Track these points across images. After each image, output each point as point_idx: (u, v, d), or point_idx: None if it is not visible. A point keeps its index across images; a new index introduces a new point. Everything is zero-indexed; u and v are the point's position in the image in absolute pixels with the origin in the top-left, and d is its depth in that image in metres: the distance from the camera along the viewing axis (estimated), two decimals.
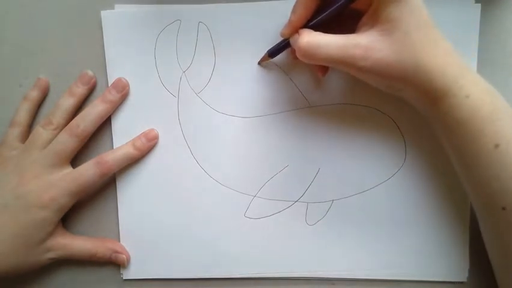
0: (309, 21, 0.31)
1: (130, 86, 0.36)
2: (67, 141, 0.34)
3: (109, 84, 0.36)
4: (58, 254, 0.35)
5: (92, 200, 0.37)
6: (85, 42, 0.36)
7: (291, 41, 0.31)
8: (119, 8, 0.36)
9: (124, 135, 0.36)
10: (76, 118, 0.34)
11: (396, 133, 0.35)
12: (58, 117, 0.35)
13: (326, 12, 0.30)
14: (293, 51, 0.32)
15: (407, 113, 0.35)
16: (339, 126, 0.35)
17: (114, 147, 0.36)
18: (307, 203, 0.36)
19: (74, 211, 0.37)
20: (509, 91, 0.35)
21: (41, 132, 0.35)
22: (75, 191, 0.34)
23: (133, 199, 0.36)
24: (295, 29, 0.31)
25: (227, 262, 0.36)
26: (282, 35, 0.32)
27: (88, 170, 0.34)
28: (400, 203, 0.35)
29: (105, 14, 0.36)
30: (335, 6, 0.29)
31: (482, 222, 0.31)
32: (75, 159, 0.36)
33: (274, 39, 0.35)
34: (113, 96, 0.35)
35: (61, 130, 0.35)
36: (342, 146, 0.35)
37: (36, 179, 0.33)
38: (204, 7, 0.35)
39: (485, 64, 0.35)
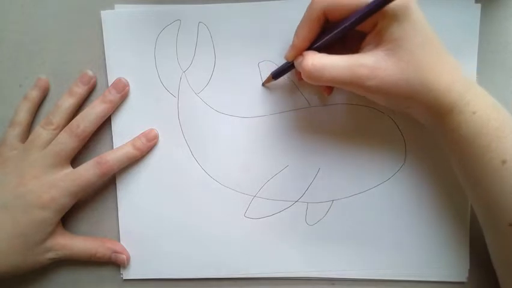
0: (312, 43, 0.30)
1: (130, 86, 0.36)
2: (67, 141, 0.34)
3: (109, 84, 0.36)
4: (58, 254, 0.35)
5: (92, 200, 0.37)
6: (85, 42, 0.36)
7: (296, 63, 0.31)
8: (119, 8, 0.36)
9: (124, 135, 0.36)
10: (76, 118, 0.34)
11: (396, 133, 0.35)
12: (58, 117, 0.35)
13: (331, 35, 0.29)
14: (298, 73, 0.32)
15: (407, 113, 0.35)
16: (339, 126, 0.35)
17: (114, 147, 0.36)
18: (307, 203, 0.36)
19: (74, 211, 0.37)
20: (510, 91, 0.36)
21: (41, 132, 0.35)
22: (75, 191, 0.34)
23: (133, 199, 0.36)
24: (299, 51, 0.31)
25: (227, 262, 0.36)
26: (286, 58, 0.32)
27: (88, 170, 0.34)
28: (400, 203, 0.35)
29: (105, 14, 0.36)
30: (340, 29, 0.29)
31: (489, 238, 0.31)
32: (75, 159, 0.36)
33: (274, 40, 0.35)
34: (113, 96, 0.35)
35: (61, 130, 0.34)
36: (342, 146, 0.35)
37: (36, 179, 0.33)
38: (204, 7, 0.35)
39: (485, 64, 0.35)
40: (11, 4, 0.37)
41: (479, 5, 0.34)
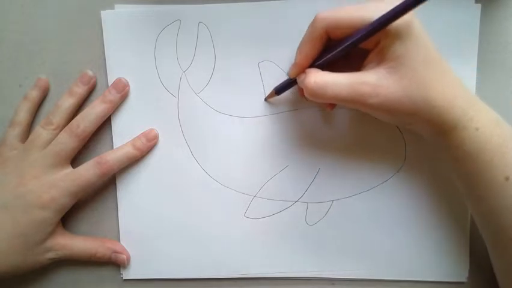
0: (315, 60, 0.31)
1: (130, 86, 0.36)
2: (67, 141, 0.34)
3: (109, 84, 0.36)
4: (58, 254, 0.35)
5: (92, 200, 0.37)
6: (85, 42, 0.36)
7: (298, 81, 0.31)
8: (119, 8, 0.36)
9: (124, 135, 0.36)
10: (76, 118, 0.34)
11: (396, 133, 0.35)
12: (58, 117, 0.35)
13: (333, 53, 0.29)
14: (301, 89, 0.32)
15: None
16: (339, 127, 0.35)
17: (114, 147, 0.36)
18: (307, 203, 0.36)
19: (74, 211, 0.37)
20: (510, 91, 0.36)
21: (41, 132, 0.35)
22: (75, 191, 0.34)
23: (133, 199, 0.36)
24: (301, 69, 0.31)
25: (227, 262, 0.36)
26: (289, 75, 0.32)
27: (88, 170, 0.34)
28: (400, 203, 0.35)
29: (105, 14, 0.36)
30: (342, 47, 0.29)
31: (493, 252, 0.31)
32: (75, 159, 0.36)
33: (274, 40, 0.35)
34: (113, 96, 0.35)
35: (61, 130, 0.34)
36: (342, 146, 0.35)
37: (36, 179, 0.33)
38: (204, 7, 0.35)
39: (485, 64, 0.35)
40: (11, 4, 0.37)
41: (479, 5, 0.34)
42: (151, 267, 0.37)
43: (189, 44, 0.36)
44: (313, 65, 0.31)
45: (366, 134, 0.35)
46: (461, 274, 0.35)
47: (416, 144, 0.35)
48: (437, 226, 0.35)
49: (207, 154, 0.36)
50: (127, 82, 0.36)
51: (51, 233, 0.34)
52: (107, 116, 0.35)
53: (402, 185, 0.35)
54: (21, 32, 0.37)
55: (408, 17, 0.27)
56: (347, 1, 0.34)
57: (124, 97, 0.36)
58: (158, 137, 0.36)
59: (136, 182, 0.36)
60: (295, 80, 0.32)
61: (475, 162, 0.28)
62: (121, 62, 0.36)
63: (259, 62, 0.35)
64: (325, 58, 0.30)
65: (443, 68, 0.29)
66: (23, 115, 0.36)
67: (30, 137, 0.35)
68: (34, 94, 0.36)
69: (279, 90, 0.34)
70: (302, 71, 0.31)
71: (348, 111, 0.35)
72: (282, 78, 0.35)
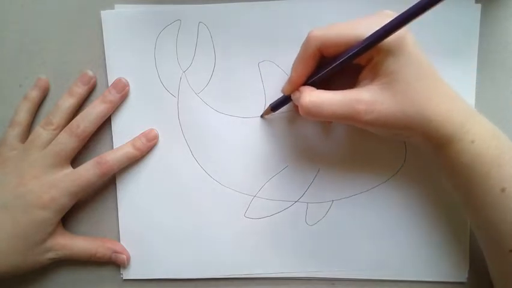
0: (309, 77, 0.31)
1: (130, 86, 0.36)
2: (67, 141, 0.34)
3: (109, 84, 0.36)
4: (58, 254, 0.35)
5: (92, 200, 0.37)
6: (85, 42, 0.36)
7: (293, 98, 0.31)
8: (119, 8, 0.36)
9: (124, 135, 0.36)
10: (76, 118, 0.34)
11: None
12: (58, 118, 0.35)
13: (326, 70, 0.30)
14: (296, 106, 0.32)
15: None
16: (339, 126, 0.35)
17: (114, 147, 0.36)
18: (307, 203, 0.36)
19: (74, 211, 0.37)
20: (510, 91, 0.36)
21: (41, 133, 0.35)
22: (75, 191, 0.34)
23: (133, 199, 0.36)
24: (296, 86, 0.31)
25: (227, 262, 0.36)
26: (283, 92, 0.32)
27: (88, 170, 0.34)
28: (400, 203, 0.35)
29: (105, 14, 0.36)
30: (335, 64, 0.29)
31: (490, 264, 0.31)
32: (75, 159, 0.36)
33: (274, 39, 0.35)
34: (113, 96, 0.35)
35: (61, 130, 0.34)
36: (342, 146, 0.35)
37: (36, 179, 0.33)
38: (204, 7, 0.35)
39: (485, 64, 0.35)
40: (11, 4, 0.37)
41: (479, 5, 0.34)
42: (151, 267, 0.37)
43: (189, 44, 0.36)
44: (307, 82, 0.31)
45: (366, 134, 0.35)
46: (461, 274, 0.35)
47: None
48: (437, 226, 0.35)
49: (207, 154, 0.36)
50: (127, 82, 0.36)
51: (51, 233, 0.34)
52: (107, 116, 0.35)
53: (402, 185, 0.35)
54: (21, 32, 0.37)
55: (401, 33, 0.27)
56: (347, 1, 0.35)
57: (124, 97, 0.36)
58: (158, 137, 0.36)
59: (136, 182, 0.36)
60: (289, 99, 0.32)
61: (471, 174, 0.29)
62: (121, 62, 0.36)
63: (259, 62, 0.35)
64: (318, 75, 0.30)
65: (437, 82, 0.29)
66: (23, 115, 0.36)
67: (30, 137, 0.35)
68: (34, 94, 0.36)
69: (274, 107, 0.34)
70: (296, 88, 0.31)
71: None
72: (282, 78, 0.35)
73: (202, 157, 0.36)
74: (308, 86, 0.31)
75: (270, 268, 0.36)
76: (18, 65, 0.37)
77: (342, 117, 0.29)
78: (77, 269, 0.37)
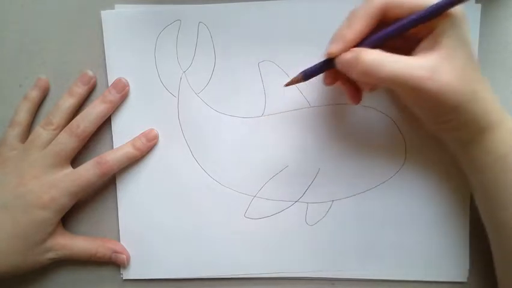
0: (361, 41, 0.28)
1: (130, 86, 0.36)
2: (67, 141, 0.34)
3: (109, 84, 0.36)
4: (58, 254, 0.35)
5: (92, 200, 0.37)
6: (85, 42, 0.36)
7: (341, 60, 0.28)
8: (119, 8, 0.36)
9: (124, 135, 0.36)
10: (76, 118, 0.34)
11: (396, 133, 0.35)
12: (58, 118, 0.35)
13: (388, 31, 0.28)
14: (329, 76, 0.31)
15: (407, 113, 0.35)
16: (339, 126, 0.35)
17: (114, 147, 0.36)
18: (307, 203, 0.36)
19: (74, 211, 0.37)
20: (510, 91, 0.36)
21: (41, 133, 0.35)
22: (75, 191, 0.34)
23: (133, 199, 0.36)
24: (349, 46, 0.28)
25: (227, 262, 0.36)
26: (330, 52, 0.29)
27: (88, 170, 0.34)
28: (400, 203, 0.35)
29: (105, 14, 0.36)
30: (399, 25, 0.27)
31: (506, 267, 0.30)
32: (75, 159, 0.36)
33: (274, 39, 0.35)
34: (113, 96, 0.35)
35: (61, 130, 0.34)
36: (342, 146, 0.35)
37: (36, 179, 0.33)
38: (204, 7, 0.35)
39: (485, 64, 0.35)
40: (11, 4, 0.37)
41: (479, 5, 0.34)
42: (151, 267, 0.37)
43: (189, 44, 0.36)
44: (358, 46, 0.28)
45: (366, 134, 0.35)
46: (461, 274, 0.35)
47: (416, 144, 0.35)
48: (437, 226, 0.35)
49: (207, 154, 0.36)
50: (127, 82, 0.36)
51: (51, 233, 0.34)
52: (107, 116, 0.35)
53: (402, 185, 0.35)
54: (21, 32, 0.37)
55: (462, 9, 0.27)
56: (347, 1, 0.34)
57: (124, 97, 0.36)
58: (158, 137, 0.36)
59: (136, 182, 0.36)
60: (330, 63, 0.29)
61: (506, 167, 0.28)
62: (121, 62, 0.36)
63: (259, 62, 0.35)
64: (379, 34, 0.28)
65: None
66: (23, 115, 0.36)
67: (30, 137, 0.35)
68: (34, 94, 0.36)
69: (308, 74, 0.30)
70: (348, 48, 0.28)
71: (348, 111, 0.35)
72: (282, 78, 0.35)
73: (202, 157, 0.36)
74: (362, 47, 0.28)
75: (270, 268, 0.36)
76: (18, 65, 0.37)
77: (401, 81, 0.27)
78: (77, 269, 0.37)
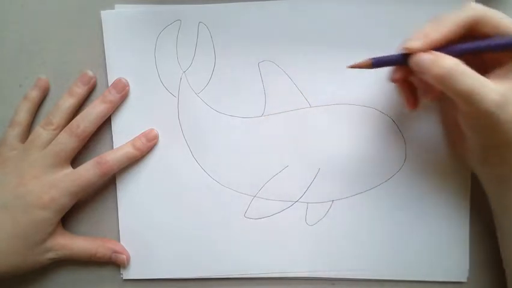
0: (442, 47, 0.27)
1: (130, 86, 0.36)
2: (67, 141, 0.34)
3: (109, 84, 0.36)
4: (58, 254, 0.35)
5: (92, 200, 0.37)
6: (85, 42, 0.36)
7: (422, 57, 0.27)
8: (119, 8, 0.36)
9: (124, 135, 0.36)
10: (76, 118, 0.34)
11: (396, 133, 0.35)
12: (58, 118, 0.35)
13: (472, 45, 0.27)
14: (397, 73, 0.30)
15: (407, 113, 0.35)
16: (339, 126, 0.35)
17: (114, 147, 0.36)
18: (307, 203, 0.36)
19: (74, 211, 0.36)
20: None
21: (41, 133, 0.35)
22: (75, 191, 0.34)
23: (133, 199, 0.36)
24: (431, 45, 0.27)
25: (227, 262, 0.36)
26: (407, 48, 0.27)
27: (88, 170, 0.34)
28: (400, 203, 0.35)
29: (105, 14, 0.36)
30: (481, 44, 0.27)
31: None
32: (75, 159, 0.36)
33: (274, 40, 0.35)
34: (113, 96, 0.35)
35: (61, 130, 0.34)
36: (341, 146, 0.35)
37: (36, 180, 0.33)
38: (204, 7, 0.35)
39: None
40: (11, 4, 0.37)
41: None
42: (151, 267, 0.37)
43: (189, 44, 0.36)
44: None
45: (366, 134, 0.35)
46: (461, 274, 0.35)
47: (416, 144, 0.35)
48: (437, 226, 0.35)
49: (207, 154, 0.36)
50: (127, 82, 0.36)
51: (51, 233, 0.34)
52: (107, 116, 0.35)
53: (402, 185, 0.35)
54: (21, 32, 0.37)
55: None
56: (347, 1, 0.34)
57: (124, 97, 0.36)
58: (158, 137, 0.36)
59: (136, 182, 0.36)
60: (401, 60, 0.28)
61: None
62: (121, 62, 0.36)
63: (259, 62, 0.35)
64: (463, 46, 0.27)
65: None
66: (23, 115, 0.36)
67: (30, 137, 0.35)
68: (34, 94, 0.36)
69: (378, 63, 0.29)
70: (428, 49, 0.27)
71: (348, 111, 0.35)
72: (282, 78, 0.35)
73: (202, 157, 0.36)
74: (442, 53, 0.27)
75: (270, 268, 0.36)
76: (18, 65, 0.37)
77: (477, 99, 0.25)
78: (77, 269, 0.37)
